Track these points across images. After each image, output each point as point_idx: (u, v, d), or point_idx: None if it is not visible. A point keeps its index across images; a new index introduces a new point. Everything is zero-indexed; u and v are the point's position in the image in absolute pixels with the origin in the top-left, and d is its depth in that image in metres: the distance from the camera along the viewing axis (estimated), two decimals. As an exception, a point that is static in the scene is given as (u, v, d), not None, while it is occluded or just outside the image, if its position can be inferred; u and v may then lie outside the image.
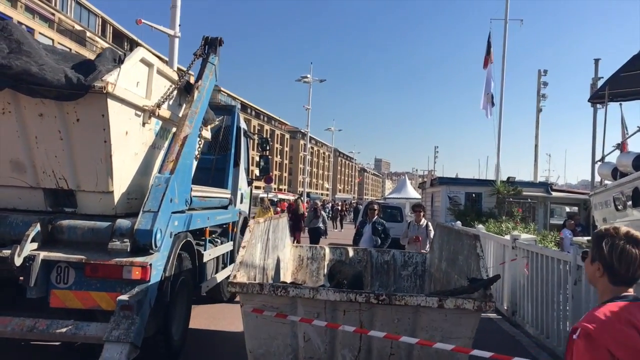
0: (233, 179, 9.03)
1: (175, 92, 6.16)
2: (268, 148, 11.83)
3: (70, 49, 42.17)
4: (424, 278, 7.35)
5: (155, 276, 4.72)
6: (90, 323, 4.48)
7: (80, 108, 4.65)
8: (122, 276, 4.51)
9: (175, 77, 6.19)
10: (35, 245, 4.63)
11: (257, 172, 12.42)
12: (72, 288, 4.62)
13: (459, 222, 13.41)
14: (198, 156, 6.86)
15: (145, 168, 5.58)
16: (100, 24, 57.53)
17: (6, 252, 4.44)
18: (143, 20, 11.26)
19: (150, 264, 4.57)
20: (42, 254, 4.54)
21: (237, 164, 9.25)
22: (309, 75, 42.48)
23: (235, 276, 4.24)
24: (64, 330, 4.39)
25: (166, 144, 6.05)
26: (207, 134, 7.55)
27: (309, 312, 4.09)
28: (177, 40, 11.82)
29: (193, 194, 6.07)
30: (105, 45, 51.01)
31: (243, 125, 10.04)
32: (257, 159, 12.31)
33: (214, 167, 8.56)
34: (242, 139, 9.72)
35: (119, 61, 4.89)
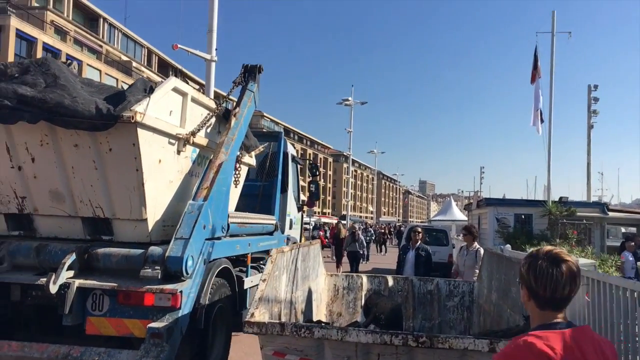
0: (281, 205, 9.06)
1: (213, 120, 6.26)
2: (317, 173, 11.85)
3: (117, 79, 43.88)
4: (471, 310, 6.67)
5: (186, 303, 4.72)
6: (122, 350, 4.54)
7: (112, 138, 4.81)
8: (153, 303, 4.55)
9: (212, 105, 6.27)
10: (71, 273, 4.73)
11: (305, 197, 12.46)
12: (106, 315, 4.72)
13: (508, 246, 12.82)
14: (238, 182, 6.92)
15: (181, 195, 5.64)
16: (146, 54, 59.66)
17: (43, 280, 4.57)
18: (179, 45, 11.51)
19: (181, 291, 4.58)
20: (77, 282, 4.66)
21: (285, 190, 9.31)
22: (350, 98, 42.71)
23: (252, 314, 3.76)
24: (96, 357, 4.46)
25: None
26: (250, 160, 7.62)
27: (337, 356, 3.70)
28: (213, 64, 11.95)
29: (231, 220, 6.06)
30: (152, 74, 52.79)
31: (291, 151, 10.19)
32: (307, 184, 12.27)
33: (261, 194, 8.63)
34: (290, 164, 9.81)
35: (149, 91, 5.04)
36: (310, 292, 6.04)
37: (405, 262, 8.82)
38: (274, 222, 8.26)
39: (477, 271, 7.94)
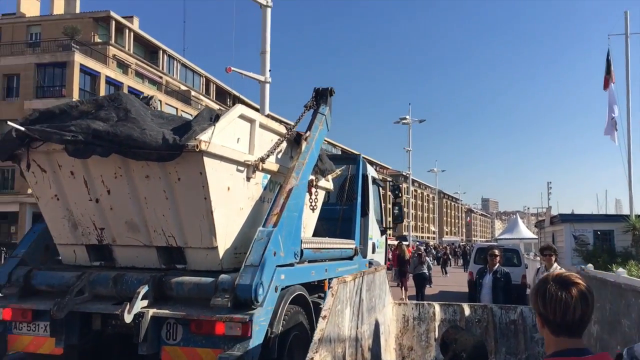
0: (362, 229, 8.98)
1: (284, 145, 6.31)
2: (400, 195, 11.63)
3: (177, 108, 45.47)
4: None
5: (258, 332, 4.66)
6: None
7: (180, 167, 4.90)
8: (224, 332, 4.54)
9: (282, 130, 6.30)
10: (146, 302, 4.81)
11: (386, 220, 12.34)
12: (180, 344, 4.77)
13: (590, 266, 12.04)
14: (315, 207, 6.91)
15: (252, 222, 5.64)
16: (204, 83, 61.75)
17: (119, 310, 4.69)
18: (232, 68, 11.74)
19: (251, 320, 4.53)
20: (152, 311, 4.72)
21: (365, 213, 9.24)
22: (407, 117, 42.17)
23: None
24: None
25: None
26: (327, 184, 7.65)
27: None
28: (267, 86, 12.01)
29: (305, 246, 5.99)
30: (210, 102, 54.40)
31: (372, 173, 10.07)
32: (391, 206, 12.11)
33: (342, 217, 8.60)
34: (371, 187, 9.74)
35: (214, 119, 5.11)
36: (377, 325, 5.50)
37: (481, 287, 8.18)
38: (353, 246, 8.13)
39: None
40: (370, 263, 9.17)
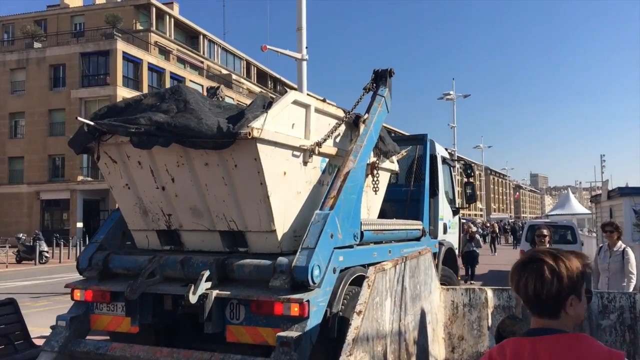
0: (431, 209, 8.98)
1: (342, 129, 6.42)
2: (472, 174, 11.42)
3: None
4: (635, 330, 5.28)
5: (316, 312, 4.82)
6: (256, 357, 4.82)
7: (236, 154, 5.09)
8: (282, 313, 4.74)
9: (340, 113, 6.39)
10: (209, 284, 5.06)
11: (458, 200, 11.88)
12: (243, 324, 5.04)
13: None
14: (377, 189, 6.97)
15: (311, 205, 5.77)
16: (244, 66, 62.24)
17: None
18: (268, 46, 11.64)
19: (308, 301, 4.69)
20: (215, 292, 4.98)
21: (435, 194, 9.20)
22: (451, 92, 41.27)
23: None
24: None
25: None
26: (391, 166, 7.69)
27: None
28: (304, 63, 11.85)
29: (365, 228, 6.10)
30: (251, 85, 54.92)
31: (442, 152, 9.97)
32: (463, 186, 11.63)
33: (410, 199, 8.61)
34: (441, 167, 9.66)
35: (267, 107, 5.29)
36: (423, 315, 5.07)
37: None
38: (420, 227, 8.13)
39: (632, 277, 6.87)
40: (441, 244, 9.19)
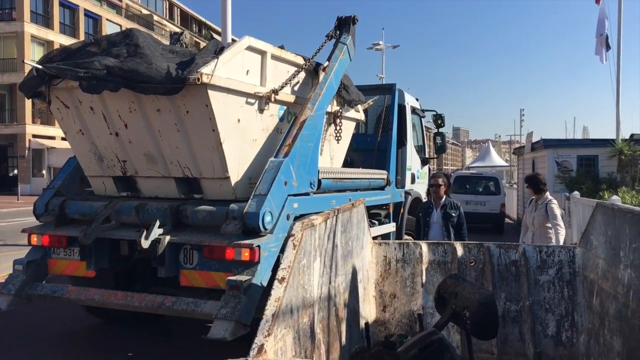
0: (399, 159, 8.90)
1: (302, 76, 6.13)
2: (443, 125, 11.27)
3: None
4: (574, 286, 4.80)
5: (267, 258, 4.80)
6: (206, 301, 4.77)
7: (188, 100, 4.88)
8: (233, 257, 4.72)
9: (299, 61, 6.11)
10: (164, 229, 5.01)
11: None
12: (196, 268, 5.01)
13: (576, 193, 11.66)
14: (340, 138, 6.87)
15: (268, 153, 5.58)
16: (167, 7, 57.74)
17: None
18: None
19: (259, 246, 4.67)
20: (167, 237, 4.90)
21: (403, 144, 9.08)
22: (381, 42, 40.14)
23: (261, 349, 2.13)
24: (185, 307, 4.81)
25: None
26: (357, 115, 7.45)
27: None
28: (229, 3, 10.69)
29: (323, 176, 5.95)
30: (174, 28, 52.85)
31: (411, 102, 9.74)
32: (433, 136, 11.52)
33: (377, 149, 8.51)
34: (410, 117, 9.48)
35: (218, 52, 5.05)
36: (354, 273, 4.50)
37: (429, 227, 6.66)
38: (384, 176, 7.95)
39: (560, 229, 6.52)
40: (408, 193, 9.11)
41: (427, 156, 10.88)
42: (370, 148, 8.46)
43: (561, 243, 6.33)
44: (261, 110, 5.64)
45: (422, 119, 10.77)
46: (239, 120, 5.29)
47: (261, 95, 5.55)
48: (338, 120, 6.78)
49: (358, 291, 4.47)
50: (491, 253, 5.19)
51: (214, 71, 4.84)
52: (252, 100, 5.47)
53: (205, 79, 4.74)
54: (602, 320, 3.67)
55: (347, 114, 7.09)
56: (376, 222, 7.67)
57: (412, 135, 9.61)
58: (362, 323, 4.09)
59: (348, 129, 7.28)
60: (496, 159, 37.49)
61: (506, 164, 34.68)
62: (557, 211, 6.65)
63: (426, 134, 11.58)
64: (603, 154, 17.08)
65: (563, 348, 4.31)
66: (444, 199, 6.60)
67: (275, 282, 2.59)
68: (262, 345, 2.15)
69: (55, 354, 5.58)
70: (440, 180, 6.65)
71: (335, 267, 3.79)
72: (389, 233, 8.18)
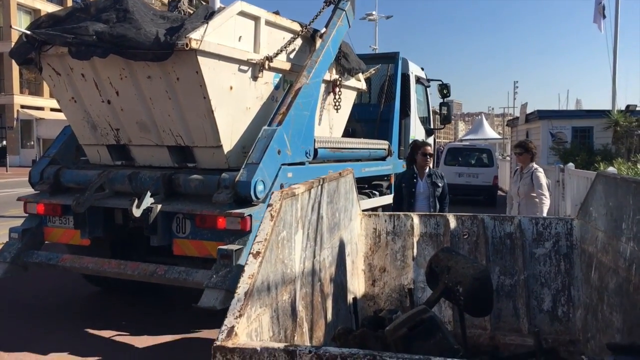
0: (402, 130, 8.55)
1: (299, 43, 5.81)
2: (448, 95, 10.84)
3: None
4: (571, 260, 4.43)
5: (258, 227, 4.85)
6: (198, 270, 4.66)
7: (178, 67, 4.65)
8: (225, 227, 4.58)
9: (295, 27, 5.80)
10: (156, 198, 4.85)
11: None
12: (189, 237, 4.88)
13: (571, 164, 11.30)
14: (339, 107, 6.58)
15: (262, 121, 5.34)
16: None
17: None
18: None
19: (250, 215, 4.52)
20: (159, 206, 4.74)
21: (406, 114, 8.70)
22: (374, 12, 38.73)
23: (232, 331, 1.78)
24: (176, 275, 4.71)
25: None
26: (358, 84, 7.12)
27: None
28: None
29: (319, 145, 5.70)
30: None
31: (415, 72, 9.23)
32: (439, 106, 10.86)
33: (380, 119, 8.17)
34: (414, 86, 9.02)
35: (208, 17, 4.80)
36: (342, 246, 4.07)
37: (414, 199, 5.93)
38: (386, 146, 7.54)
39: (544, 199, 6.02)
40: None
41: (432, 127, 10.40)
42: (372, 118, 8.14)
43: (544, 214, 5.95)
44: (255, 78, 5.39)
45: (428, 89, 10.28)
46: (231, 88, 5.06)
47: (254, 62, 5.29)
48: (337, 89, 6.50)
49: (346, 265, 4.12)
50: (485, 225, 4.81)
51: (204, 37, 4.61)
52: (245, 68, 5.22)
53: (194, 45, 4.52)
54: (601, 295, 3.44)
55: (347, 83, 6.79)
56: (377, 193, 7.45)
57: (417, 105, 9.21)
58: (350, 298, 3.86)
59: (348, 98, 6.99)
60: (489, 132, 36.73)
61: (499, 137, 34.18)
62: (543, 180, 6.11)
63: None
64: (598, 125, 16.41)
65: (559, 323, 4.10)
66: (428, 168, 6.06)
67: (249, 257, 2.20)
68: (233, 327, 1.83)
69: (51, 322, 5.42)
70: (430, 149, 6.13)
71: (321, 240, 3.42)
72: (390, 204, 8.09)
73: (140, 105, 5.07)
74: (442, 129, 11.55)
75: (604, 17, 17.41)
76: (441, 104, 10.75)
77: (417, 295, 4.24)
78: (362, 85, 7.35)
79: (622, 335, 2.83)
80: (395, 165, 8.06)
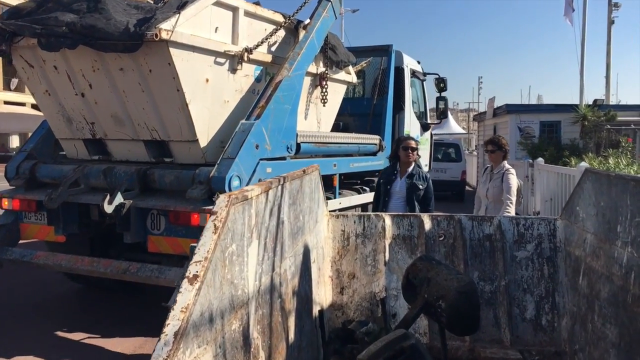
0: (397, 124, 8.12)
1: (282, 35, 5.41)
2: (445, 89, 10.30)
3: None
4: (556, 263, 3.90)
5: None
6: (171, 268, 4.36)
7: (150, 59, 4.29)
8: (199, 223, 4.24)
9: (278, 18, 5.41)
10: (131, 194, 4.51)
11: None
12: (164, 234, 4.56)
13: (541, 160, 10.89)
14: (326, 101, 6.14)
15: (242, 115, 5.01)
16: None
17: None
18: None
19: None
20: (131, 202, 4.38)
21: (400, 108, 8.23)
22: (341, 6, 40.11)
23: None
24: (149, 273, 4.41)
25: None
26: (348, 77, 6.67)
27: None
28: None
29: (302, 140, 5.33)
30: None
31: (410, 65, 8.73)
32: (436, 100, 10.55)
33: (372, 113, 7.72)
34: (409, 80, 8.54)
35: (181, 7, 4.46)
36: (306, 253, 3.43)
37: (389, 198, 5.18)
38: (377, 141, 7.07)
39: (509, 205, 5.26)
40: None
41: (427, 121, 9.86)
42: (365, 112, 7.66)
43: None
44: (234, 70, 5.00)
45: (424, 83, 9.70)
46: (207, 80, 4.71)
47: (232, 54, 4.90)
48: (324, 82, 6.06)
49: (311, 273, 3.53)
50: (463, 226, 4.22)
51: (175, 27, 4.26)
52: (223, 60, 4.84)
53: (164, 35, 4.16)
54: (591, 304, 3.03)
55: (336, 76, 6.34)
56: (367, 189, 7.04)
57: (412, 99, 8.70)
58: (315, 310, 3.36)
59: (337, 92, 6.56)
60: (454, 127, 36.24)
61: (464, 132, 33.92)
62: (514, 184, 5.27)
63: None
64: (566, 120, 15.83)
65: (543, 333, 3.71)
66: (412, 167, 5.18)
67: (184, 283, 1.56)
68: None
69: (28, 320, 5.09)
70: (414, 143, 5.22)
71: (282, 249, 2.83)
72: None
73: (114, 98, 4.72)
74: (438, 123, 11.18)
75: (573, 10, 17.14)
76: (438, 98, 10.24)
77: (390, 304, 3.79)
78: (352, 78, 6.92)
79: (617, 351, 2.48)
80: (386, 161, 7.62)
